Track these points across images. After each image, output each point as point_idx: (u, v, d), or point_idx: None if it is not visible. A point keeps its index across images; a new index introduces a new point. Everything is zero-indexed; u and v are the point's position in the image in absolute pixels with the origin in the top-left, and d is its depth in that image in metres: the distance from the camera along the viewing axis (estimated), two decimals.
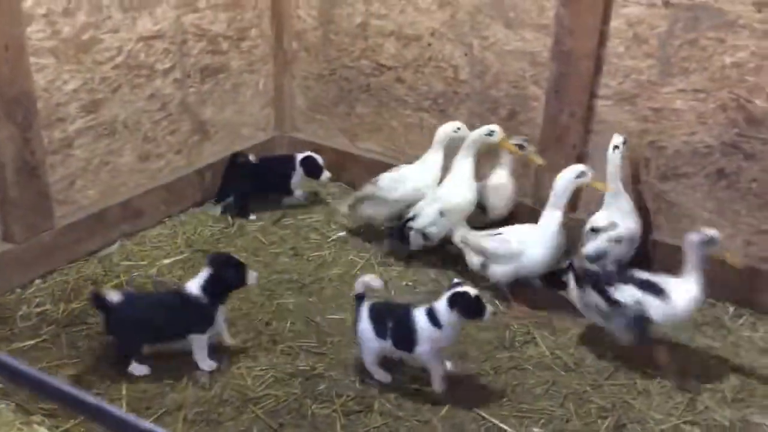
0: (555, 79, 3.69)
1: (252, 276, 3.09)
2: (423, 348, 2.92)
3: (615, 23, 3.49)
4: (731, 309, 3.54)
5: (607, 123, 3.66)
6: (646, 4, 3.39)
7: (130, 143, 3.97)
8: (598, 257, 3.48)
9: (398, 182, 3.92)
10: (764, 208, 3.39)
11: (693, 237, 3.01)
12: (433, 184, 3.86)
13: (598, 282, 3.12)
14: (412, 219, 3.80)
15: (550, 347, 3.29)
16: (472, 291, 2.84)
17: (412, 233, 3.80)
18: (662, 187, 3.61)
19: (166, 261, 3.83)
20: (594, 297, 3.12)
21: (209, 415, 2.85)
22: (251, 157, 4.31)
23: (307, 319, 3.44)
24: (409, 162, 4.35)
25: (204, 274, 3.02)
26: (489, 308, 2.85)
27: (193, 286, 3.02)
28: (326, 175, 4.33)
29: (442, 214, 3.71)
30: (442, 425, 2.86)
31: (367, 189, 4.00)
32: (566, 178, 3.39)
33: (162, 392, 2.97)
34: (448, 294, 2.87)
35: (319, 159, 4.32)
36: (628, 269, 3.21)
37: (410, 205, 3.88)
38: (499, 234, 3.54)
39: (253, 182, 4.29)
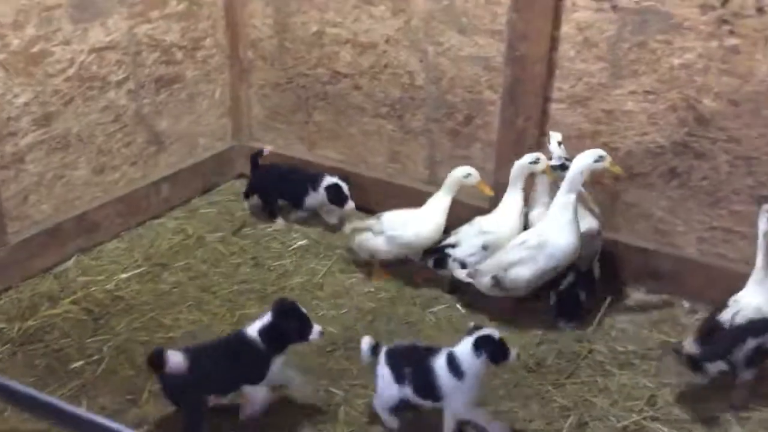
0: (509, 84, 3.74)
1: (315, 331, 2.82)
2: (451, 402, 2.73)
3: (566, 28, 3.55)
4: (686, 305, 3.61)
5: (561, 125, 3.72)
6: (595, 9, 3.45)
7: (84, 156, 3.91)
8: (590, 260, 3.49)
9: (401, 224, 3.68)
10: (715, 206, 3.48)
11: None
12: (437, 232, 3.66)
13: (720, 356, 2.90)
14: (452, 246, 3.62)
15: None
16: (495, 333, 2.70)
17: (450, 260, 3.61)
18: (617, 187, 3.68)
19: (124, 275, 3.77)
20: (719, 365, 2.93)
21: (172, 430, 2.82)
22: (266, 150, 4.35)
23: None
24: (369, 168, 4.38)
25: (265, 319, 2.80)
26: (514, 351, 2.72)
27: (253, 330, 2.80)
28: (350, 205, 4.07)
29: (485, 247, 3.56)
30: (408, 430, 2.87)
31: (369, 221, 3.79)
32: (584, 162, 3.25)
33: (122, 409, 2.93)
34: (471, 338, 2.68)
35: (345, 187, 4.09)
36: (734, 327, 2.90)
37: (411, 248, 3.72)
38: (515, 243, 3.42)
39: (273, 187, 4.32)
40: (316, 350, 3.28)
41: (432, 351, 2.80)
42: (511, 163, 3.78)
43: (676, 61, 3.34)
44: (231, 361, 2.77)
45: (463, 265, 3.57)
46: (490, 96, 3.88)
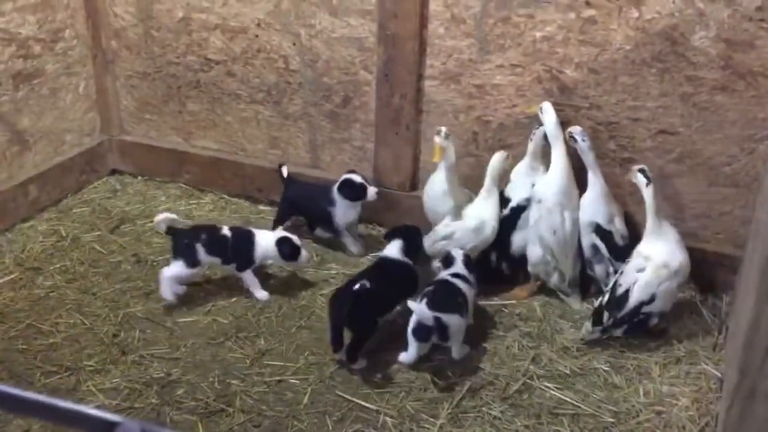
0: (383, 63, 3.78)
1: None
2: None
3: (433, 6, 3.61)
4: None
5: (436, 102, 3.80)
6: None
7: None
8: None
9: (478, 231, 3.54)
10: (583, 171, 3.66)
11: None
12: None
13: None
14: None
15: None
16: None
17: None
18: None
19: None
20: None
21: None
22: (284, 170, 3.97)
23: (157, 325, 3.33)
24: (249, 156, 4.32)
25: (398, 243, 3.31)
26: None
27: (395, 253, 3.31)
28: (372, 191, 3.74)
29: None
30: (306, 414, 2.88)
31: (443, 232, 3.59)
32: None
33: (5, 419, 2.78)
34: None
35: (357, 177, 3.76)
36: None
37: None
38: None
39: (290, 204, 3.97)
40: (206, 344, 3.23)
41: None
42: (391, 142, 3.85)
43: (538, 34, 3.48)
44: (397, 280, 3.26)
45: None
46: (365, 76, 3.91)
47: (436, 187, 3.64)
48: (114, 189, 4.45)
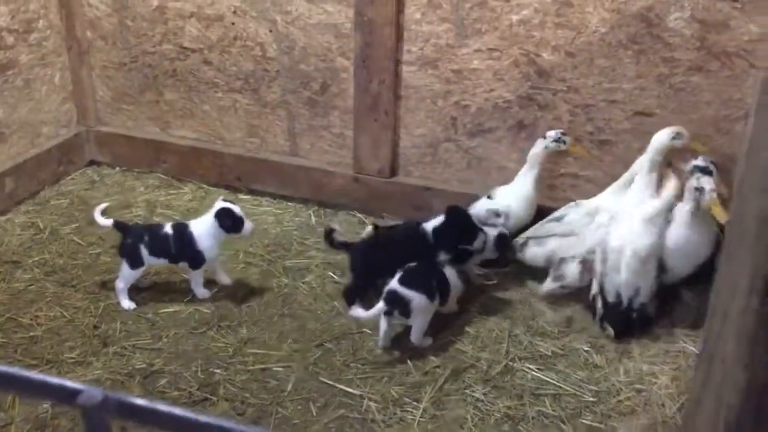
0: (360, 49, 3.77)
1: (479, 240, 3.30)
2: None
3: None
4: None
5: (414, 88, 3.80)
6: None
7: None
8: None
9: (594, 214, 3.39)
10: (562, 154, 3.68)
11: None
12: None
13: None
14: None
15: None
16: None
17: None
18: (470, 143, 3.82)
19: None
20: None
21: (43, 431, 2.69)
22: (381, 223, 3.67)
23: (139, 316, 3.32)
24: (227, 145, 4.30)
25: (438, 221, 3.29)
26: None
27: (428, 227, 3.31)
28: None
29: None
30: (290, 401, 2.88)
31: (547, 227, 3.49)
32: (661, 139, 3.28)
33: None
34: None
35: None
36: None
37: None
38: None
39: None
40: (188, 333, 3.22)
41: None
42: (370, 129, 3.85)
43: (514, 18, 3.49)
44: (406, 245, 3.30)
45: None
46: (343, 63, 3.90)
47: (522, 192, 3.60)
48: (92, 180, 4.42)
